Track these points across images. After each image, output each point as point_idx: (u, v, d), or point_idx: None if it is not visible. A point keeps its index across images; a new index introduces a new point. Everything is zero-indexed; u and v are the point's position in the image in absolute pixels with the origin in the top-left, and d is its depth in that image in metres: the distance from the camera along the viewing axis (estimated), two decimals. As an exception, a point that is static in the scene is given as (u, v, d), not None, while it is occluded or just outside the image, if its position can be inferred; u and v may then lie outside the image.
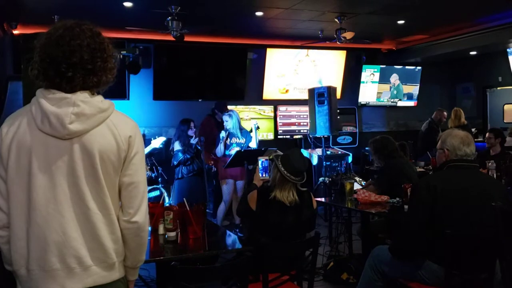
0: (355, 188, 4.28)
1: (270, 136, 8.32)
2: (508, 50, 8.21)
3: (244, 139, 5.99)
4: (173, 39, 6.11)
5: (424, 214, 2.74)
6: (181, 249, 2.89)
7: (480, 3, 6.04)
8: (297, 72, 8.45)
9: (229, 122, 5.88)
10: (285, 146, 7.38)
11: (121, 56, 5.63)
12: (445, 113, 7.98)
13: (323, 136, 7.10)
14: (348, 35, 6.65)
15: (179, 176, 5.96)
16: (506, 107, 9.29)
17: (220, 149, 5.82)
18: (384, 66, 8.98)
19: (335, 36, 6.74)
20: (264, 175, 3.45)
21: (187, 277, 2.25)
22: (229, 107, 6.92)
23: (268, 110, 8.33)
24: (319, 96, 6.91)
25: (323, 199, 4.73)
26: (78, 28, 1.61)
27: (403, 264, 2.93)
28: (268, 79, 8.24)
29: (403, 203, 3.74)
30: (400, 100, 9.24)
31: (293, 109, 8.50)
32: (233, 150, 5.82)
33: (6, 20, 6.15)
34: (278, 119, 8.38)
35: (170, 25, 5.87)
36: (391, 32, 7.75)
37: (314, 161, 7.72)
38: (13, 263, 1.60)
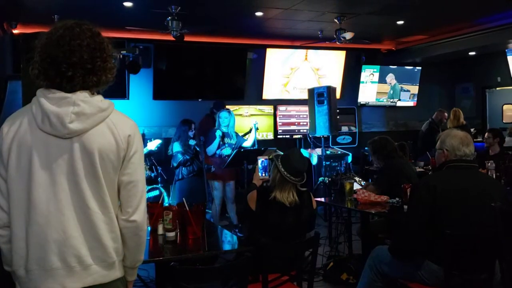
0: (354, 188, 4.28)
1: (270, 136, 8.32)
2: (507, 50, 8.22)
3: (235, 141, 6.02)
4: (173, 39, 6.11)
5: (424, 214, 2.74)
6: (181, 250, 2.88)
7: (479, 4, 6.05)
8: (297, 71, 8.45)
9: (227, 119, 5.89)
10: (285, 146, 7.38)
11: (121, 56, 5.62)
12: (445, 114, 7.99)
13: (323, 136, 7.10)
14: (348, 35, 6.65)
15: (179, 177, 5.96)
16: (505, 107, 9.30)
17: (213, 147, 5.81)
18: (384, 66, 8.99)
19: (334, 36, 6.74)
20: (263, 174, 3.45)
21: (186, 277, 2.25)
22: (229, 107, 6.92)
23: (268, 109, 8.33)
24: (318, 96, 6.92)
25: (323, 199, 4.73)
26: (78, 28, 1.63)
27: (403, 264, 2.93)
28: (269, 76, 8.22)
29: (403, 203, 3.74)
30: (399, 100, 9.24)
31: (293, 109, 8.50)
32: (224, 150, 5.84)
33: (6, 20, 6.14)
34: (277, 118, 8.38)
35: (170, 25, 5.86)
36: (391, 32, 7.76)
37: (314, 161, 7.72)
38: (12, 263, 1.61)
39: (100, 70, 1.65)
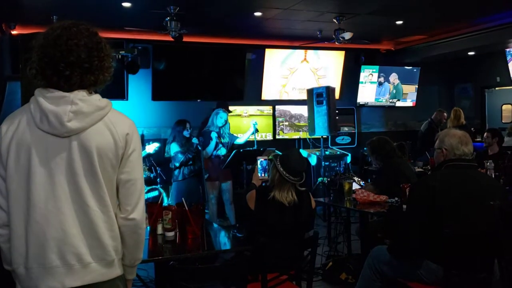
0: (353, 188, 4.29)
1: (269, 137, 8.32)
2: (506, 50, 8.23)
3: (228, 140, 6.08)
4: (171, 39, 6.11)
5: (423, 213, 2.74)
6: (180, 249, 2.89)
7: (478, 4, 6.05)
8: (296, 72, 8.45)
9: (223, 119, 5.94)
10: (284, 146, 7.38)
11: (119, 56, 5.62)
12: (445, 114, 8.00)
13: (322, 136, 7.10)
14: (347, 35, 6.65)
15: (180, 178, 5.90)
16: (504, 107, 9.30)
17: (210, 149, 5.82)
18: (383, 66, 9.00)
19: (333, 36, 6.74)
20: (263, 175, 3.45)
21: (185, 277, 2.26)
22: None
23: (267, 109, 8.34)
24: (317, 96, 6.92)
25: (322, 199, 4.74)
26: (75, 28, 1.64)
27: (402, 263, 2.93)
28: (268, 77, 8.22)
29: (402, 203, 3.74)
30: (398, 100, 9.24)
31: (292, 109, 8.50)
32: (220, 151, 5.89)
33: (5, 20, 6.14)
34: (277, 119, 8.39)
35: (168, 25, 5.86)
36: (390, 32, 7.76)
37: (313, 161, 7.73)
38: (12, 261, 1.61)
39: (98, 69, 1.66)
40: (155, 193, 6.43)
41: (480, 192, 2.77)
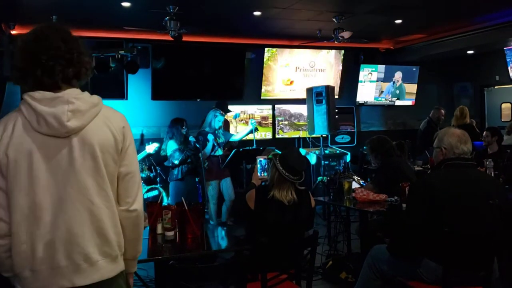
0: (353, 187, 4.29)
1: (269, 136, 8.33)
2: (505, 49, 8.23)
3: (224, 140, 6.15)
4: (171, 39, 6.11)
5: (422, 212, 2.74)
6: (180, 249, 2.89)
7: (477, 3, 6.05)
8: (296, 71, 8.46)
9: (220, 123, 6.00)
10: (283, 146, 7.38)
11: (119, 56, 5.61)
12: (442, 111, 8.01)
13: (322, 135, 7.11)
14: (346, 34, 6.66)
15: (179, 177, 5.89)
16: (503, 105, 9.30)
17: (207, 150, 5.85)
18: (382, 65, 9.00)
19: (333, 35, 6.75)
20: (262, 174, 3.46)
21: (185, 276, 2.26)
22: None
23: (267, 109, 8.34)
24: (317, 95, 6.92)
25: (321, 198, 4.74)
26: (51, 26, 1.69)
27: (401, 262, 2.93)
28: (268, 76, 8.23)
29: (401, 202, 3.75)
30: (398, 99, 9.25)
31: (292, 108, 8.50)
32: (217, 152, 5.94)
33: (4, 20, 6.14)
34: (276, 118, 8.39)
35: (168, 25, 5.86)
36: (389, 31, 7.76)
37: (313, 160, 7.73)
38: (15, 266, 1.60)
39: (79, 62, 1.68)
40: (155, 192, 6.43)
41: (479, 191, 2.77)
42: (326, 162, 7.50)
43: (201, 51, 7.66)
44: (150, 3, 5.59)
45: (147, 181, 6.53)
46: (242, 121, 8.02)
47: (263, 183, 3.44)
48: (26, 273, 1.59)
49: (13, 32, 6.40)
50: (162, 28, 5.94)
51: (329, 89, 6.91)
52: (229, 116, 7.38)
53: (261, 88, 8.21)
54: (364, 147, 6.00)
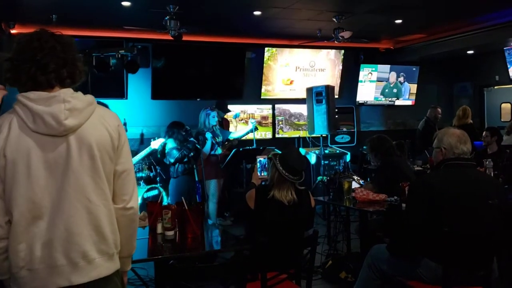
0: (353, 187, 4.29)
1: (269, 135, 8.33)
2: (505, 49, 8.23)
3: (222, 138, 6.21)
4: (171, 38, 6.11)
5: (422, 212, 2.75)
6: (180, 248, 2.89)
7: (477, 3, 6.06)
8: (296, 70, 8.46)
9: (215, 119, 6.03)
10: (283, 145, 7.38)
11: (119, 55, 5.61)
12: (439, 109, 8.03)
13: (321, 135, 7.11)
14: (346, 34, 6.66)
15: (175, 175, 5.90)
16: (503, 106, 9.31)
17: (206, 150, 5.87)
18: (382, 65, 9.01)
19: (333, 35, 6.75)
20: (262, 174, 3.46)
21: (185, 276, 2.26)
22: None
23: (267, 108, 8.34)
24: (317, 95, 6.91)
25: (321, 198, 4.74)
26: (46, 30, 1.70)
27: (401, 262, 2.94)
28: (268, 75, 8.23)
29: (401, 202, 3.75)
30: (398, 99, 9.25)
31: (292, 108, 8.50)
32: (217, 151, 5.98)
33: (4, 20, 6.14)
34: (276, 117, 8.39)
35: (168, 24, 5.86)
36: (389, 31, 7.76)
37: (313, 160, 7.74)
38: (12, 266, 1.60)
39: (73, 64, 1.69)
40: (155, 192, 6.42)
41: (479, 191, 2.77)
42: (326, 162, 7.50)
43: (201, 51, 7.66)
44: (150, 3, 5.59)
45: (147, 180, 6.52)
46: (242, 121, 8.01)
47: (263, 183, 3.44)
48: (23, 273, 1.59)
49: (13, 31, 6.40)
50: (162, 28, 5.94)
51: (329, 88, 6.91)
52: (229, 115, 7.39)
53: (261, 87, 8.21)
54: (364, 147, 6.00)
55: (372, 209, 3.91)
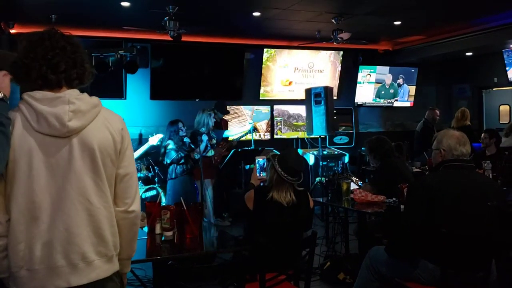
0: (351, 188, 4.29)
1: (267, 136, 8.33)
2: (503, 51, 8.25)
3: (216, 139, 6.28)
4: (170, 39, 6.11)
5: (421, 213, 2.75)
6: (178, 249, 2.89)
7: (476, 5, 6.07)
8: (294, 71, 8.46)
9: (211, 121, 6.09)
10: (282, 146, 7.38)
11: (118, 55, 5.62)
12: (437, 111, 8.04)
13: (320, 136, 7.11)
14: (345, 35, 6.66)
15: (173, 176, 5.91)
16: (501, 107, 9.32)
17: (201, 149, 5.89)
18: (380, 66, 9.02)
19: (332, 36, 6.76)
20: (261, 174, 3.46)
21: (184, 276, 2.26)
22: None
23: (265, 109, 8.34)
24: (316, 96, 6.92)
25: (320, 199, 4.74)
26: (56, 30, 1.70)
27: (399, 263, 2.93)
28: (267, 76, 8.23)
29: (400, 203, 3.75)
30: (396, 100, 9.26)
31: (290, 109, 8.50)
32: (209, 152, 6.05)
33: (3, 19, 6.13)
34: (275, 118, 8.39)
35: (167, 25, 5.86)
36: (388, 32, 7.77)
37: (311, 161, 7.74)
38: (12, 265, 1.60)
39: (82, 66, 1.70)
40: (153, 192, 6.42)
41: (477, 193, 2.78)
42: (325, 163, 7.50)
43: (200, 51, 7.66)
44: (150, 3, 5.58)
45: (145, 181, 6.52)
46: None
47: (262, 184, 3.43)
48: (22, 273, 1.59)
49: (12, 31, 6.40)
50: (161, 28, 5.94)
51: (327, 90, 6.92)
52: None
53: (259, 88, 8.22)
54: (363, 148, 6.01)
55: (370, 210, 3.91)
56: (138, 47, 6.72)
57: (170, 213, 3.02)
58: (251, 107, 8.13)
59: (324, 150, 7.76)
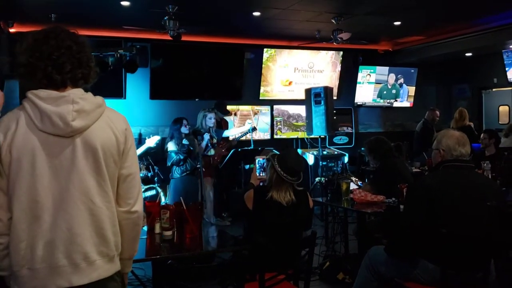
0: (351, 188, 4.29)
1: (267, 136, 8.33)
2: (503, 51, 8.25)
3: (217, 138, 6.30)
4: (170, 38, 6.11)
5: (420, 214, 2.75)
6: (178, 248, 2.89)
7: (475, 5, 6.07)
8: (294, 71, 8.46)
9: (212, 120, 6.12)
10: (282, 146, 7.38)
11: (118, 55, 5.60)
12: (437, 112, 8.05)
13: (320, 136, 7.12)
14: (345, 35, 6.67)
15: (175, 176, 5.94)
16: (501, 108, 9.33)
17: (202, 148, 5.92)
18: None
19: (331, 36, 6.76)
20: (261, 174, 3.46)
21: (183, 276, 2.26)
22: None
23: (265, 109, 8.35)
24: (315, 96, 6.92)
25: (319, 199, 4.74)
26: (62, 28, 1.70)
27: (399, 263, 2.94)
28: (267, 76, 8.23)
29: (399, 203, 3.75)
30: (396, 100, 9.26)
31: (290, 109, 8.51)
32: (210, 152, 6.08)
33: (3, 18, 6.13)
34: (275, 118, 8.40)
35: (167, 24, 5.87)
36: (388, 33, 7.78)
37: (311, 161, 7.74)
38: (13, 264, 1.60)
39: (87, 64, 1.70)
40: (153, 192, 6.42)
41: (477, 193, 2.78)
42: (324, 163, 7.50)
43: (200, 51, 7.66)
44: (150, 3, 5.58)
45: (145, 180, 6.52)
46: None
47: (261, 183, 3.44)
48: (24, 272, 1.59)
49: (11, 30, 6.39)
50: (161, 28, 5.94)
51: (327, 90, 6.92)
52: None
53: (259, 88, 8.22)
54: (362, 148, 6.01)
55: (370, 210, 3.91)
56: (138, 46, 6.70)
57: (170, 213, 3.02)
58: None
59: (324, 150, 7.77)
